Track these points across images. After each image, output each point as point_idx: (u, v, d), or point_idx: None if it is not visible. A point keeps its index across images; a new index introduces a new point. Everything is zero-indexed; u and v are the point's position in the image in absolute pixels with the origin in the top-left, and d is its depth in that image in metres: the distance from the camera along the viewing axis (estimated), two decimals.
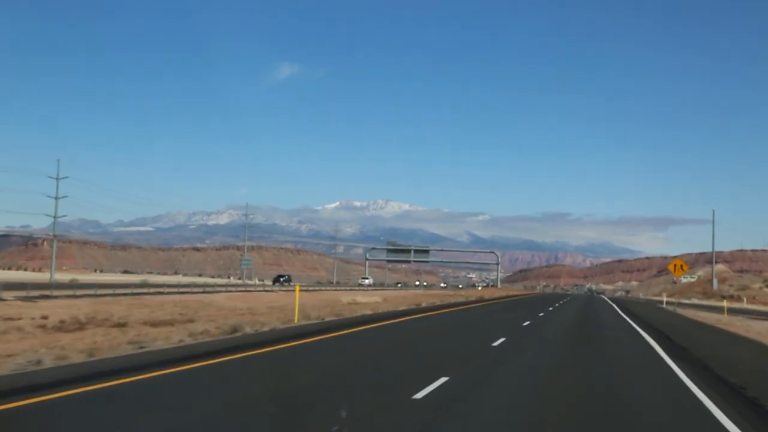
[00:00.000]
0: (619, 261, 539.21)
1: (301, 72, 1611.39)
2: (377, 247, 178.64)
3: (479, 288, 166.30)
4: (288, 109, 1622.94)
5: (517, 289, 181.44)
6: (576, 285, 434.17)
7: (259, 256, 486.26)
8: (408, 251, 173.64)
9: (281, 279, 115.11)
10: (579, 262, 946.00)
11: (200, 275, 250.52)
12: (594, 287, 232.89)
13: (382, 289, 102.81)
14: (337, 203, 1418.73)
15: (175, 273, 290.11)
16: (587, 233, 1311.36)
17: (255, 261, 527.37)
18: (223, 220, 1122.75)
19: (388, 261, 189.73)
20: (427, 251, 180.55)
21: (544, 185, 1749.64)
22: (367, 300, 49.02)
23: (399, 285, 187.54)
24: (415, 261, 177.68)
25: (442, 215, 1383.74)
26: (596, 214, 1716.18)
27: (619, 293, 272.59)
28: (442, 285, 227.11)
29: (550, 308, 51.74)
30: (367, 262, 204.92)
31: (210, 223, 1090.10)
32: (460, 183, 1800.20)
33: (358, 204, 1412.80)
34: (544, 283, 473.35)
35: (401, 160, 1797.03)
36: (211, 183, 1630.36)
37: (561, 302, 70.85)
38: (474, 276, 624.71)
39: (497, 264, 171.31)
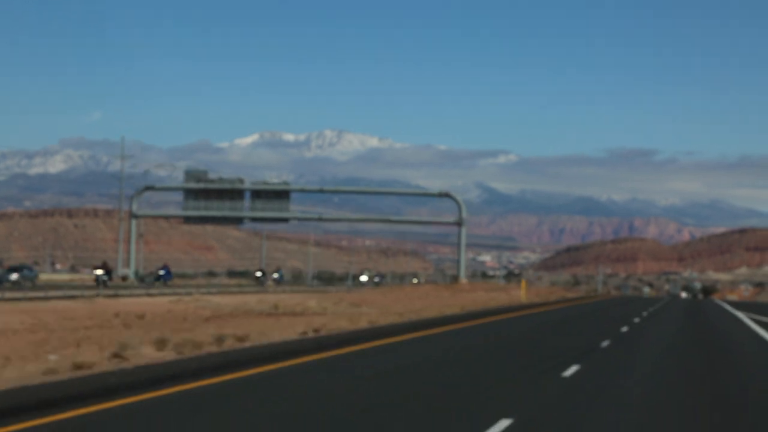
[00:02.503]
0: (741, 232, 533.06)
1: None
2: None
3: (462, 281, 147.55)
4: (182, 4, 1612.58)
5: (543, 290, 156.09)
6: (666, 275, 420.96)
7: (108, 227, 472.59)
8: (232, 193, 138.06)
9: (161, 275, 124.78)
10: (670, 235, 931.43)
11: None
12: (698, 286, 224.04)
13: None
14: (256, 136, 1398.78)
15: None
16: (685, 185, 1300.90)
17: (100, 236, 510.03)
18: (56, 166, 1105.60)
19: (186, 221, 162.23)
20: (284, 194, 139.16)
21: (612, 107, 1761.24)
22: None
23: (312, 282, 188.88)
24: (253, 219, 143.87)
25: (437, 156, 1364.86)
26: (701, 153, 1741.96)
27: (745, 291, 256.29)
28: (414, 280, 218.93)
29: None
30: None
31: (33, 171, 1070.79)
32: (466, 106, 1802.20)
33: (290, 138, 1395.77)
34: (609, 272, 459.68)
35: (365, 71, 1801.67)
36: (36, 105, 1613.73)
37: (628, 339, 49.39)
38: (489, 258, 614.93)
39: (459, 224, 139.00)
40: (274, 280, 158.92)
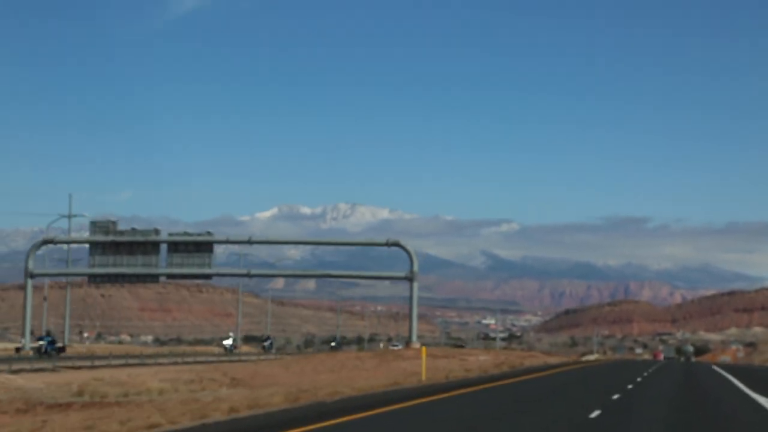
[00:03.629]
0: (730, 294, 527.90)
1: (213, 2, 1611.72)
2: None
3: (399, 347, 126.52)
4: (192, 62, 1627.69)
5: (519, 354, 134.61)
6: (659, 336, 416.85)
7: (132, 295, 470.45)
8: (146, 246, 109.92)
9: (41, 345, 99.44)
10: (664, 298, 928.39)
11: None
12: (690, 348, 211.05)
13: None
14: (275, 210, 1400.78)
15: None
16: (677, 250, 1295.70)
17: (126, 304, 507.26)
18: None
19: (91, 280, 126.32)
20: (206, 246, 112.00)
21: (607, 178, 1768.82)
22: None
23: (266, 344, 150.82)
24: (170, 276, 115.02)
25: (444, 226, 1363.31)
26: (690, 219, 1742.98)
27: (739, 353, 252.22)
28: (395, 345, 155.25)
29: None
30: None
31: (65, 247, 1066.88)
32: (470, 178, 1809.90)
33: (307, 211, 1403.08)
34: (606, 333, 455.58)
35: (377, 148, 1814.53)
36: (64, 184, 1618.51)
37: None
38: (492, 321, 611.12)
39: (409, 278, 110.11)
40: (226, 347, 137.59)
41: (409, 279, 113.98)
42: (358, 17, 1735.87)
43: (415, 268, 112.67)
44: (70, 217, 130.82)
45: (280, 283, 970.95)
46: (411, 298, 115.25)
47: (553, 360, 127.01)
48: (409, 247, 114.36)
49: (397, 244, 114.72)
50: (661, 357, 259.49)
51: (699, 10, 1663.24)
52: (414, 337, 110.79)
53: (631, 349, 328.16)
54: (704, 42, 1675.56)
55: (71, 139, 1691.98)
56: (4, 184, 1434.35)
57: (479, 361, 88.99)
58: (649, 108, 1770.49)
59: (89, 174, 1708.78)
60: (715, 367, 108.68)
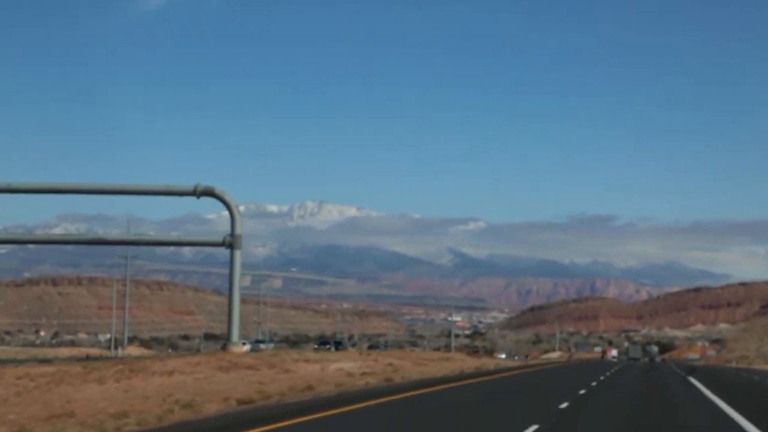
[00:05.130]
0: (696, 291, 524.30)
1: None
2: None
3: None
4: (159, 57, 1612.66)
5: (469, 358, 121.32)
6: (625, 333, 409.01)
7: (91, 294, 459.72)
8: None
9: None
10: (629, 294, 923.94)
11: None
12: (655, 348, 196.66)
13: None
14: (242, 208, 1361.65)
15: None
16: (643, 248, 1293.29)
17: (84, 302, 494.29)
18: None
19: None
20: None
21: (573, 176, 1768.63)
22: None
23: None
24: None
25: (411, 224, 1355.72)
26: (657, 218, 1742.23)
27: (711, 351, 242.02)
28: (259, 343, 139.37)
29: None
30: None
31: (32, 245, 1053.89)
32: (438, 176, 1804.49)
33: (274, 209, 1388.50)
34: (572, 330, 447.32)
35: (345, 147, 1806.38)
36: (37, 178, 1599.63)
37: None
38: (460, 319, 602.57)
39: (229, 245, 75.93)
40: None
41: (230, 246, 78.02)
42: (324, 14, 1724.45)
43: (238, 230, 78.56)
44: None
45: (246, 281, 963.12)
46: (231, 275, 79.04)
47: (474, 364, 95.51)
48: (227, 198, 79.79)
49: (210, 193, 79.83)
50: (612, 355, 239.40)
51: (663, 6, 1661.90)
52: (235, 336, 76.06)
53: (597, 346, 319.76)
54: (671, 39, 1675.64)
55: (39, 137, 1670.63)
56: None
57: (328, 371, 59.16)
58: (617, 106, 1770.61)
59: (59, 170, 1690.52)
60: (693, 380, 69.22)
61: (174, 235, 78.96)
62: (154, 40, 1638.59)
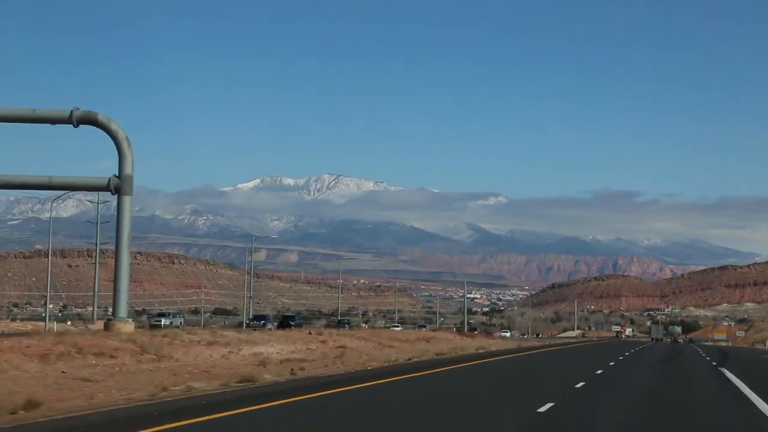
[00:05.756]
0: (721, 269, 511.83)
1: None
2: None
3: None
4: (182, 32, 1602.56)
5: (478, 338, 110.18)
6: (648, 312, 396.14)
7: (101, 266, 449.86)
8: None
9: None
10: (652, 272, 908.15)
11: None
12: (678, 329, 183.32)
13: None
14: (257, 181, 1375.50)
15: None
16: (666, 225, 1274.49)
17: (93, 276, 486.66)
18: (68, 211, 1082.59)
19: None
20: None
21: (597, 151, 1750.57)
22: None
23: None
24: None
25: (430, 199, 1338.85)
26: (681, 195, 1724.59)
27: (739, 332, 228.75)
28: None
29: None
30: None
31: (44, 216, 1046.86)
32: (457, 151, 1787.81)
33: (290, 182, 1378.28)
34: (593, 308, 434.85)
35: (363, 120, 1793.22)
36: (47, 151, 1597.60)
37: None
38: (478, 296, 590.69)
39: (114, 188, 61.95)
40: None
41: (117, 190, 60.21)
42: None
43: (128, 170, 60.24)
44: None
45: (262, 255, 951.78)
46: (118, 228, 61.50)
47: (460, 345, 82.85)
48: (113, 127, 60.58)
49: (91, 121, 60.07)
50: (626, 334, 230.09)
51: None
52: (122, 310, 59.53)
53: (617, 324, 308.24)
54: (696, 19, 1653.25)
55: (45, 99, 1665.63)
56: None
57: (233, 359, 45.62)
58: (642, 82, 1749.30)
59: (69, 140, 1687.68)
60: (730, 375, 48.58)
61: (45, 178, 50.60)
62: (176, 13, 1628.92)
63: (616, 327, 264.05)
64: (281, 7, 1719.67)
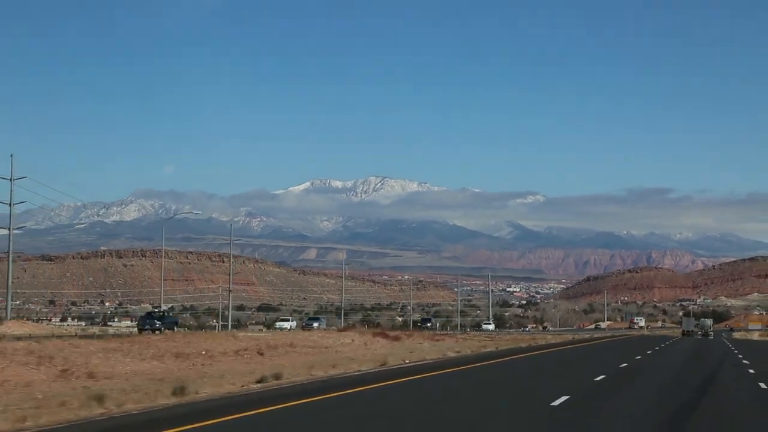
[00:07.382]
0: (752, 260, 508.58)
1: None
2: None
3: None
4: (227, 46, 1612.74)
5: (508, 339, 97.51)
6: (680, 302, 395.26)
7: (155, 266, 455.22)
8: None
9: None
10: (685, 265, 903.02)
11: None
12: (708, 321, 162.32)
13: None
14: (307, 184, 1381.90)
15: None
16: (699, 220, 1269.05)
17: (148, 274, 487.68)
18: (130, 214, 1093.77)
19: None
20: None
21: (631, 150, 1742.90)
22: None
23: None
24: None
25: (471, 198, 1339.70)
26: (712, 190, 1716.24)
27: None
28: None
29: None
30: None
31: (110, 219, 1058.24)
32: (497, 152, 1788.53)
33: (338, 185, 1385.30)
34: (626, 299, 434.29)
35: (408, 123, 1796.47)
36: (113, 160, 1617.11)
37: None
38: (518, 290, 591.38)
39: None
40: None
41: None
42: None
43: None
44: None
45: (312, 253, 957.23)
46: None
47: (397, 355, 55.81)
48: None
49: None
50: (639, 325, 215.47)
51: None
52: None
53: (652, 315, 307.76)
54: (724, 13, 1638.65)
55: (111, 112, 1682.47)
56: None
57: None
58: (673, 79, 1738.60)
59: (134, 147, 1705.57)
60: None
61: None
62: (219, 17, 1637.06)
63: (639, 318, 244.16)
64: (328, 6, 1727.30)
